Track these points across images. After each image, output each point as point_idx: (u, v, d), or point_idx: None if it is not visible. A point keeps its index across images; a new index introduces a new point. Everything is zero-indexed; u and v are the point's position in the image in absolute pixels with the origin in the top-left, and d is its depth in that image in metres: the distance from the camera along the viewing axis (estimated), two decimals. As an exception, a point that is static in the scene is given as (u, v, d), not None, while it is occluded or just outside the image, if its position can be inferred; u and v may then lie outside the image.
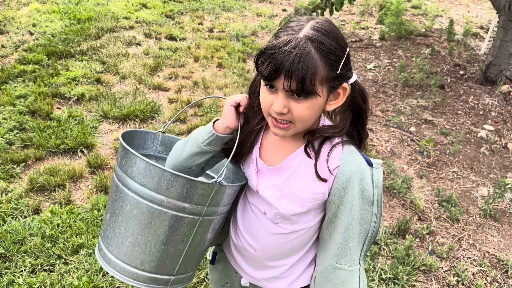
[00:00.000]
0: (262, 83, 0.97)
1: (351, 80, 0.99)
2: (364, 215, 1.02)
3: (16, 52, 4.38)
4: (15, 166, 2.77)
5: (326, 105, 0.98)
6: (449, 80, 4.54)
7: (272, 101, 0.95)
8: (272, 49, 0.89)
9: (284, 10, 4.51)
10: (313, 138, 1.03)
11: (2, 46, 4.48)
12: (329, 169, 1.01)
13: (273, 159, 1.09)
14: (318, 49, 0.88)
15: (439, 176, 3.10)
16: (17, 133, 3.09)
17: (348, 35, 5.68)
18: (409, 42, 5.50)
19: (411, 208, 2.75)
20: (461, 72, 4.76)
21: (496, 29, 4.45)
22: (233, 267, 1.27)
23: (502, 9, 4.21)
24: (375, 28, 6.04)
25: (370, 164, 1.02)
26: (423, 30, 5.95)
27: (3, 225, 2.33)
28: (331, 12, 4.30)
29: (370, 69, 4.77)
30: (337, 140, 1.03)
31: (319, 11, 4.24)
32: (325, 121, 1.06)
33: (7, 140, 3.00)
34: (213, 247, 1.35)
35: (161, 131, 1.25)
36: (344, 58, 0.93)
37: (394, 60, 5.00)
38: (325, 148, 1.03)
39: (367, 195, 1.01)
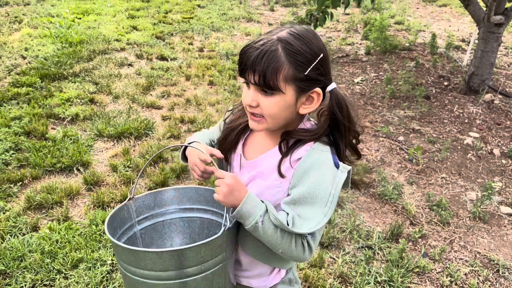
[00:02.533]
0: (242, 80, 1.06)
1: (329, 88, 1.03)
2: (316, 213, 1.00)
3: (9, 76, 4.44)
4: (12, 186, 2.80)
5: (299, 108, 1.02)
6: (434, 91, 4.68)
7: (245, 96, 1.04)
8: (247, 46, 0.99)
9: (270, 24, 4.65)
10: (286, 138, 1.07)
11: (-5, 70, 4.53)
12: (290, 162, 1.04)
13: (252, 154, 1.16)
14: (284, 49, 0.95)
15: (428, 182, 3.18)
16: (13, 153, 3.13)
17: (335, 51, 5.83)
18: (394, 56, 5.66)
19: (403, 213, 2.82)
20: (445, 83, 4.91)
21: (477, 41, 4.62)
22: None
23: (481, 21, 4.39)
24: (360, 44, 6.22)
25: (337, 166, 1.02)
26: (407, 44, 6.14)
27: (2, 242, 2.35)
28: (315, 27, 4.44)
29: (358, 82, 4.90)
30: (308, 144, 1.05)
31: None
32: (306, 125, 1.09)
33: (3, 161, 3.03)
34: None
35: (129, 198, 1.23)
36: (314, 62, 0.97)
37: (380, 73, 5.14)
38: (296, 148, 1.05)
39: (321, 190, 0.99)
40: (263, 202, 1.03)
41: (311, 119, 1.13)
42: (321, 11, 4.37)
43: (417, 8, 8.65)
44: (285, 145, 1.07)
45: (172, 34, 6.15)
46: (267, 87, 0.97)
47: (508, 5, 4.31)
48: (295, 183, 1.03)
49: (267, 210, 1.01)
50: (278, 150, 1.08)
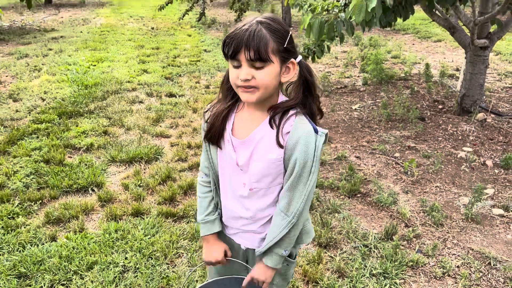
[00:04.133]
0: (229, 64, 1.25)
1: (298, 59, 1.27)
2: (305, 173, 1.27)
3: (29, 115, 4.79)
4: (32, 204, 3.03)
5: (281, 77, 1.26)
6: (429, 114, 4.90)
7: (238, 74, 1.22)
8: (233, 33, 1.20)
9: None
10: (275, 112, 1.28)
11: (17, 111, 4.90)
12: (283, 136, 1.27)
13: (243, 134, 1.34)
14: (266, 28, 1.19)
15: (423, 191, 3.34)
16: (33, 177, 3.38)
17: (334, 83, 6.14)
18: (390, 85, 5.95)
19: (398, 217, 2.97)
20: (440, 107, 5.14)
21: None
22: (229, 239, 1.52)
23: (467, 46, 4.68)
24: (358, 76, 6.54)
25: (316, 131, 1.26)
26: (403, 74, 6.45)
27: (23, 251, 2.55)
28: (313, 59, 4.77)
29: (355, 109, 5.16)
30: (292, 112, 1.28)
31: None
32: (282, 98, 1.33)
33: (24, 184, 3.28)
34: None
35: None
36: (288, 37, 1.22)
37: (377, 100, 5.41)
38: (283, 120, 1.28)
39: (308, 155, 1.25)
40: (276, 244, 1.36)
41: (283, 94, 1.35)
42: (317, 44, 4.72)
43: (413, 44, 9.06)
44: (274, 119, 1.28)
45: (180, 75, 6.55)
46: (262, 60, 1.18)
47: (491, 29, 4.61)
48: (288, 155, 1.27)
49: (283, 252, 1.37)
50: (267, 124, 1.28)
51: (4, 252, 2.54)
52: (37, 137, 4.16)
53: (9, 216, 2.89)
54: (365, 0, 2.59)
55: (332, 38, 4.61)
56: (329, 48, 4.68)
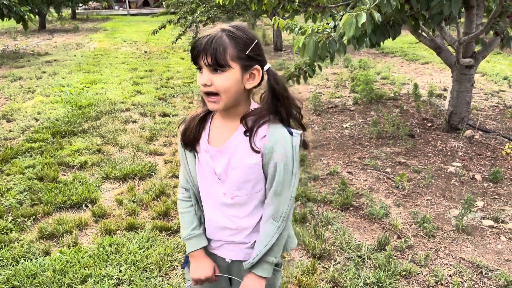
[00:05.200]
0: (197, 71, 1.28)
1: (266, 67, 1.29)
2: (287, 176, 1.29)
3: (23, 134, 4.81)
4: (25, 220, 3.03)
5: (245, 83, 1.27)
6: (418, 131, 5.00)
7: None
8: (196, 40, 1.25)
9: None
10: (247, 120, 1.30)
11: (10, 131, 4.91)
12: (258, 141, 1.29)
13: (219, 142, 1.35)
14: (228, 35, 1.22)
15: (414, 204, 3.39)
16: (27, 194, 3.38)
17: (325, 103, 6.26)
18: (380, 105, 6.08)
19: (391, 229, 3.01)
20: (429, 124, 5.25)
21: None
22: (210, 254, 1.46)
23: (453, 65, 4.83)
24: (348, 96, 6.67)
25: (291, 133, 1.29)
26: (392, 94, 6.59)
27: (16, 265, 2.53)
28: (305, 79, 4.87)
29: (346, 127, 5.25)
30: (264, 119, 1.30)
31: (294, 78, 4.82)
32: (255, 106, 1.34)
33: (18, 200, 3.28)
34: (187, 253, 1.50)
35: None
36: (252, 45, 1.24)
37: (368, 119, 5.51)
38: (256, 126, 1.29)
39: (287, 158, 1.28)
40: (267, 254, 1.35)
41: (255, 102, 1.37)
42: (308, 64, 4.83)
43: (401, 66, 9.28)
44: (247, 126, 1.29)
45: (173, 96, 6.63)
46: (219, 65, 1.20)
47: (476, 49, 4.78)
48: (266, 160, 1.29)
49: (274, 258, 1.37)
50: (241, 132, 1.30)
51: (-3, 267, 2.52)
52: (31, 156, 4.17)
53: (2, 232, 2.88)
54: (355, 17, 2.70)
55: (323, 58, 4.75)
56: (320, 68, 4.80)
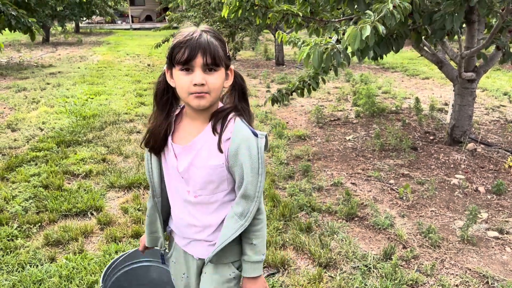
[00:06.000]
0: (177, 72, 1.26)
1: (233, 67, 1.35)
2: (253, 177, 1.29)
3: (28, 143, 4.83)
4: (31, 227, 3.03)
5: (224, 83, 1.31)
6: (421, 144, 5.03)
7: (191, 80, 1.23)
8: (184, 40, 1.23)
9: (268, 90, 5.13)
10: (217, 118, 1.32)
11: (15, 140, 4.94)
12: (223, 141, 1.30)
13: (185, 140, 1.35)
14: (214, 37, 1.26)
15: (419, 215, 3.39)
16: (32, 202, 3.39)
17: (327, 116, 6.30)
18: (382, 118, 6.12)
19: (396, 239, 3.01)
20: (431, 137, 5.29)
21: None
22: (183, 252, 1.49)
23: (455, 79, 4.89)
24: (351, 110, 6.72)
25: (255, 134, 1.30)
26: (394, 108, 6.64)
27: (22, 271, 2.53)
28: (309, 92, 4.92)
29: (349, 140, 5.28)
30: (230, 116, 1.32)
31: (298, 91, 4.86)
32: (220, 105, 1.37)
33: (23, 207, 3.29)
34: (160, 250, 1.60)
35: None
36: (227, 46, 1.31)
37: (370, 132, 5.55)
38: (224, 125, 1.31)
39: (253, 159, 1.28)
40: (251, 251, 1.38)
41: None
42: (312, 77, 4.88)
43: (402, 81, 9.36)
44: (216, 124, 1.31)
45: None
46: (216, 64, 1.24)
47: (477, 63, 4.84)
48: (232, 163, 1.30)
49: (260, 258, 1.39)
50: (209, 131, 1.31)
51: (3, 273, 2.52)
52: (36, 164, 4.19)
53: (8, 238, 2.88)
54: (360, 29, 2.75)
55: (327, 71, 4.81)
56: (324, 81, 4.85)
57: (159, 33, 16.62)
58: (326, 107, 6.91)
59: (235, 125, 1.30)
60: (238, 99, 1.37)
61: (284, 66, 11.36)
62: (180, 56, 1.22)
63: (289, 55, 13.12)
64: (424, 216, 3.38)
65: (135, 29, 24.81)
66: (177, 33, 1.30)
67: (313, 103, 7.26)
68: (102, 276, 1.69)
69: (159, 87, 1.37)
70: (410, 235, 3.08)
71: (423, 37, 4.33)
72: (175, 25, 14.73)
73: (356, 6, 3.87)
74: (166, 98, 1.36)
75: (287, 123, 6.02)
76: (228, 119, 1.31)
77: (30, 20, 5.49)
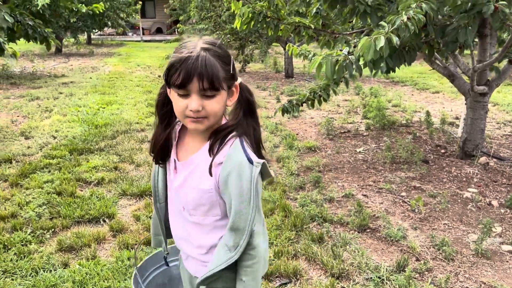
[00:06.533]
0: (174, 93, 1.17)
1: (238, 81, 1.25)
2: (243, 209, 1.18)
3: (41, 151, 4.88)
4: (44, 232, 3.05)
5: (227, 102, 1.22)
6: (432, 157, 5.01)
7: (187, 104, 1.14)
8: (180, 61, 1.12)
9: (278, 101, 5.15)
10: (216, 137, 1.22)
11: (28, 147, 4.99)
12: (215, 165, 1.20)
13: (185, 155, 1.30)
14: (214, 56, 1.14)
15: (431, 228, 3.37)
16: (45, 208, 3.42)
17: (337, 128, 6.31)
18: (393, 131, 6.11)
19: (409, 252, 2.99)
20: (442, 151, 5.26)
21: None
22: (184, 266, 1.46)
23: (467, 92, 4.88)
24: (361, 122, 6.72)
25: (251, 161, 1.17)
26: (404, 121, 6.63)
27: (36, 276, 2.54)
28: (319, 103, 4.94)
29: (360, 152, 5.27)
30: (229, 136, 1.21)
31: (309, 102, 4.89)
32: (224, 121, 1.28)
33: (37, 213, 3.32)
34: (164, 253, 1.60)
35: (135, 267, 1.65)
36: (232, 62, 1.19)
37: (381, 144, 5.53)
38: (221, 146, 1.21)
39: (244, 188, 1.16)
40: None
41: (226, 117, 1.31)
42: (323, 88, 4.90)
43: (412, 94, 9.36)
44: (215, 144, 1.22)
45: (187, 118, 6.72)
46: (214, 89, 1.13)
47: (489, 77, 4.83)
48: (223, 189, 1.21)
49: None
50: (206, 150, 1.23)
51: (17, 277, 2.54)
52: (49, 171, 4.23)
53: (22, 243, 2.90)
54: (374, 40, 2.78)
55: (337, 82, 4.83)
56: (335, 92, 4.87)
57: (169, 45, 16.80)
58: (336, 119, 6.92)
59: (231, 148, 1.20)
60: (243, 115, 1.26)
61: (293, 79, 11.41)
62: (175, 79, 1.13)
63: (298, 68, 13.19)
64: (437, 229, 3.35)
65: (145, 41, 25.13)
66: (176, 48, 1.20)
67: (323, 115, 7.27)
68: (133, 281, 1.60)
69: (159, 98, 1.32)
70: (423, 247, 3.05)
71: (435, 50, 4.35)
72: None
73: (369, 19, 3.91)
74: (165, 111, 1.30)
75: (297, 134, 6.03)
76: (226, 140, 1.21)
77: (46, 30, 5.60)
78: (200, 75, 1.10)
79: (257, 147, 1.26)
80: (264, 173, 1.21)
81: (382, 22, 3.03)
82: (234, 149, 1.19)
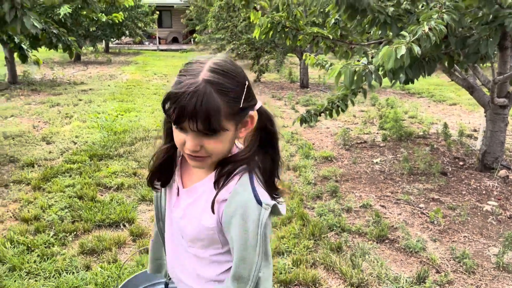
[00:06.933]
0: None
1: (257, 107, 1.06)
2: (248, 256, 1.03)
3: (62, 156, 4.98)
4: (67, 235, 3.11)
5: (238, 135, 1.06)
6: (450, 169, 4.97)
7: (185, 140, 1.01)
8: (176, 96, 0.96)
9: (295, 111, 5.18)
10: (222, 169, 1.07)
11: (50, 152, 5.10)
12: (218, 202, 1.06)
13: (189, 181, 1.16)
14: (217, 90, 0.96)
15: (451, 240, 3.34)
16: (67, 211, 3.48)
17: (354, 138, 6.30)
18: (410, 142, 6.08)
19: (428, 263, 2.96)
20: (461, 163, 5.21)
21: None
22: None
23: (487, 104, 4.85)
24: (377, 133, 6.71)
25: (259, 202, 1.01)
26: (421, 133, 6.59)
27: (59, 277, 2.59)
28: (337, 113, 4.95)
29: (377, 162, 5.25)
30: (237, 170, 1.06)
31: (327, 112, 4.90)
32: (238, 145, 1.12)
33: (59, 216, 3.38)
34: (166, 279, 1.46)
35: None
36: (244, 93, 1.01)
37: (398, 155, 5.51)
38: (227, 180, 1.06)
39: (248, 233, 1.02)
40: None
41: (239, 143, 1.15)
42: (341, 98, 4.91)
43: (429, 106, 9.31)
44: (221, 177, 1.07)
45: (204, 126, 6.78)
46: (212, 131, 0.97)
47: (510, 90, 4.80)
48: (226, 230, 1.07)
49: None
50: (211, 179, 1.09)
51: (40, 278, 2.59)
52: (70, 176, 4.30)
53: (45, 245, 2.96)
54: (395, 49, 2.80)
55: (355, 92, 4.84)
56: (353, 102, 4.88)
57: (185, 55, 17.04)
58: (352, 130, 6.91)
59: (238, 184, 1.04)
60: (259, 146, 1.09)
61: (308, 89, 11.44)
62: (171, 114, 0.98)
63: (313, 78, 13.22)
64: (457, 241, 3.32)
65: (161, 50, 25.47)
66: (180, 70, 1.04)
67: (339, 125, 7.27)
68: None
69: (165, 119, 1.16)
70: (443, 259, 3.02)
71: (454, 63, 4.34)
72: (201, 47, 15.06)
73: (388, 29, 3.93)
74: (168, 127, 1.16)
75: (313, 144, 6.04)
76: (233, 174, 1.06)
77: (70, 39, 5.75)
78: (193, 117, 0.94)
79: (272, 183, 1.10)
80: (275, 212, 1.05)
81: (403, 32, 3.05)
82: (241, 185, 1.04)
